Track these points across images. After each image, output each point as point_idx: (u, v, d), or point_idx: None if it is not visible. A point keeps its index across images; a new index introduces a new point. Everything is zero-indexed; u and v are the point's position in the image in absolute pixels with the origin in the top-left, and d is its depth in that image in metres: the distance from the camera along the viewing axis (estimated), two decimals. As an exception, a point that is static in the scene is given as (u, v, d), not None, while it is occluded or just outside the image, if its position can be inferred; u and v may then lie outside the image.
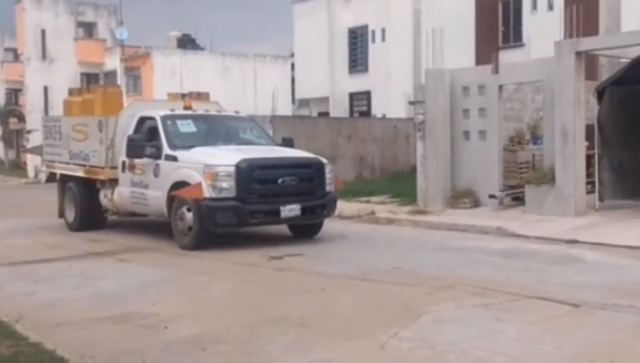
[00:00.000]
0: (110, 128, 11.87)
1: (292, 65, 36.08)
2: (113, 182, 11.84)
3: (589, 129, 12.80)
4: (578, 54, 12.20)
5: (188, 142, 10.80)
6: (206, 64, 37.33)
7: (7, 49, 47.34)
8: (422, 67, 16.94)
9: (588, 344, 5.26)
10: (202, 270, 8.74)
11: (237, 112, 13.02)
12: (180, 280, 8.19)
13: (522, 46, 22.68)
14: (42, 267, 9.06)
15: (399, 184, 17.56)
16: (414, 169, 15.40)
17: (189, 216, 10.10)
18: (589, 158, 13.03)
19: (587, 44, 12.39)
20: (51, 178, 14.12)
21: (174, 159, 10.52)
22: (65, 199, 13.13)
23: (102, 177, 12.07)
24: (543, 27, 20.54)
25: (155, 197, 10.78)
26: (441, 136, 14.07)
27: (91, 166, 12.32)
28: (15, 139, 44.30)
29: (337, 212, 13.75)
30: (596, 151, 12.96)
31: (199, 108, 12.22)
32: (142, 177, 11.08)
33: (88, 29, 42.35)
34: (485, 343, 5.26)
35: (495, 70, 13.51)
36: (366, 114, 29.07)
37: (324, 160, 11.06)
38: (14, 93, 45.81)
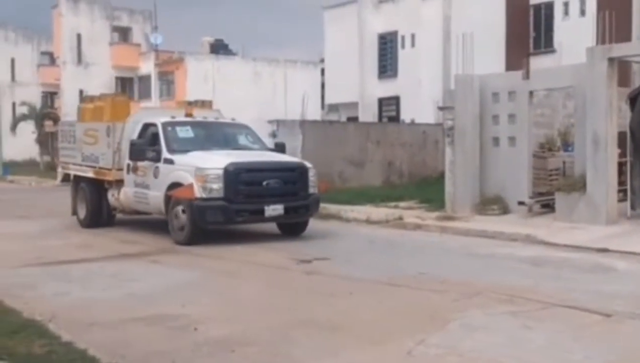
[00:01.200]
0: (117, 133, 12.88)
1: (322, 70, 36.24)
2: (119, 183, 12.78)
3: (621, 137, 12.65)
4: (610, 60, 12.08)
5: (185, 146, 11.78)
6: (238, 69, 37.70)
7: (43, 53, 48.30)
8: (452, 73, 16.92)
9: (618, 354, 5.21)
10: (232, 272, 8.84)
11: (233, 119, 13.98)
12: (210, 282, 8.29)
13: (553, 52, 22.49)
14: (74, 267, 9.22)
15: (427, 189, 17.51)
16: (442, 175, 15.35)
17: (183, 214, 11.02)
18: (621, 166, 12.87)
19: (619, 50, 12.26)
20: (66, 178, 15.10)
21: (171, 162, 11.50)
22: (77, 198, 14.07)
23: (109, 178, 13.04)
24: (575, 33, 20.36)
25: (155, 197, 11.72)
26: (470, 141, 14.02)
27: (100, 168, 13.29)
28: (50, 141, 45.12)
29: (364, 217, 13.93)
30: (628, 158, 12.80)
31: (200, 115, 13.23)
32: (144, 178, 12.03)
33: (123, 34, 43.05)
34: (513, 351, 5.25)
35: (526, 76, 13.43)
36: (395, 119, 29.05)
37: (308, 164, 12.05)
38: (50, 96, 46.70)
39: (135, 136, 12.42)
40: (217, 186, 10.83)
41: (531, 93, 13.60)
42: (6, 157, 39.57)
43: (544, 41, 23.64)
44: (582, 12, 22.24)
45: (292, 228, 12.14)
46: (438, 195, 14.99)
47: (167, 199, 11.35)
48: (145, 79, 40.79)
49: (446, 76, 24.21)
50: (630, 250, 9.70)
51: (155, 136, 11.99)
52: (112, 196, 13.11)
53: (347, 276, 8.31)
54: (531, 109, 13.76)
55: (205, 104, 14.79)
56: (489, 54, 20.26)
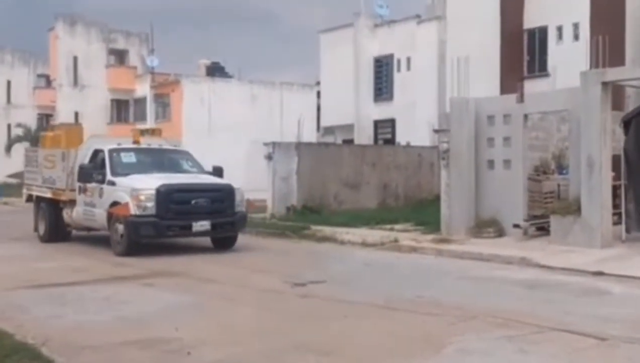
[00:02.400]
0: (71, 158, 14.45)
1: (318, 93, 36.38)
2: (72, 202, 14.23)
3: (616, 160, 12.70)
4: (604, 84, 12.17)
5: (127, 170, 13.28)
6: (234, 91, 37.81)
7: (39, 75, 48.39)
8: (447, 96, 17.02)
9: (613, 378, 5.19)
10: (225, 295, 8.79)
11: (175, 146, 15.76)
12: (204, 306, 8.24)
13: (547, 75, 22.64)
14: (68, 290, 9.16)
15: (423, 212, 17.51)
16: (437, 198, 15.37)
17: (121, 228, 12.47)
18: (615, 189, 12.90)
19: (613, 74, 12.36)
20: (30, 198, 16.57)
21: (113, 183, 13.01)
22: (38, 217, 15.61)
23: (64, 198, 14.54)
24: (568, 57, 20.51)
25: (100, 214, 13.21)
26: (465, 164, 14.05)
27: (57, 189, 14.86)
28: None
29: (360, 239, 13.91)
30: (622, 181, 12.84)
31: (147, 143, 14.71)
32: (92, 198, 13.55)
33: (119, 57, 43.22)
34: (508, 375, 5.22)
35: (521, 99, 13.51)
36: (390, 141, 29.15)
37: (235, 185, 13.41)
38: (45, 118, 46.68)
39: (86, 161, 13.95)
40: (150, 205, 12.29)
41: (526, 116, 13.67)
42: (0, 178, 39.50)
43: (538, 65, 23.82)
44: (576, 37, 22.45)
45: (221, 242, 13.50)
46: (433, 218, 14.99)
47: (109, 216, 12.83)
48: (141, 102, 40.86)
49: (441, 99, 24.35)
50: (625, 274, 9.69)
51: (103, 161, 13.51)
52: (66, 214, 14.54)
53: (342, 300, 8.28)
54: (526, 132, 13.83)
55: (155, 131, 16.67)
56: (483, 78, 20.41)
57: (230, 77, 41.15)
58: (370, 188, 21.07)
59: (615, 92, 13.60)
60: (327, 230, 15.41)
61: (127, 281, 9.93)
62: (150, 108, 39.56)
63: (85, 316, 7.50)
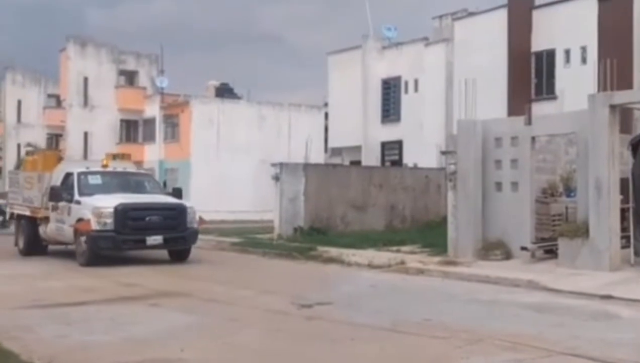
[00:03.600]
0: (46, 180, 16.16)
1: (326, 114, 36.50)
2: (47, 219, 15.83)
3: (624, 183, 12.65)
4: (612, 107, 12.17)
5: (93, 191, 14.97)
6: (243, 112, 38.03)
7: (49, 95, 48.81)
8: (454, 118, 17.04)
9: (622, 403, 5.12)
10: (231, 316, 8.76)
11: (139, 169, 18.05)
12: (209, 326, 8.21)
13: (554, 98, 22.67)
14: (74, 310, 9.16)
15: (430, 234, 17.46)
16: (444, 220, 15.33)
17: (84, 242, 14.16)
18: (624, 212, 12.84)
19: (621, 97, 12.36)
20: (11, 216, 18.47)
21: (79, 202, 14.66)
22: (19, 232, 17.35)
23: (40, 215, 16.21)
24: (576, 80, 20.55)
25: (68, 229, 14.85)
26: (473, 186, 14.03)
27: (34, 208, 16.56)
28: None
29: (367, 261, 13.87)
30: (631, 204, 12.78)
31: (115, 166, 16.52)
32: (62, 216, 15.17)
33: (129, 77, 43.57)
34: (515, 400, 5.16)
35: (528, 121, 13.51)
36: (398, 163, 29.13)
37: (188, 204, 15.30)
38: (55, 138, 47.01)
39: (59, 182, 15.55)
40: (109, 221, 13.97)
41: (533, 139, 13.65)
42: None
43: (546, 88, 23.86)
44: (584, 60, 22.49)
45: (176, 254, 15.20)
46: (440, 240, 14.94)
47: (75, 231, 14.49)
48: (150, 122, 41.12)
49: (449, 121, 24.39)
50: (634, 297, 9.60)
51: (72, 183, 15.16)
52: (42, 230, 16.19)
53: (348, 322, 8.23)
54: (533, 154, 13.80)
55: (124, 156, 18.45)
56: (491, 100, 20.44)
57: (239, 98, 41.41)
58: (377, 209, 21.05)
59: (623, 115, 13.60)
60: (334, 251, 15.39)
61: (133, 301, 9.92)
62: (159, 128, 39.79)
63: (91, 337, 7.48)
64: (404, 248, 15.71)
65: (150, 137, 40.87)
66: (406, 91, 29.73)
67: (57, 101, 46.71)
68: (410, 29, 43.74)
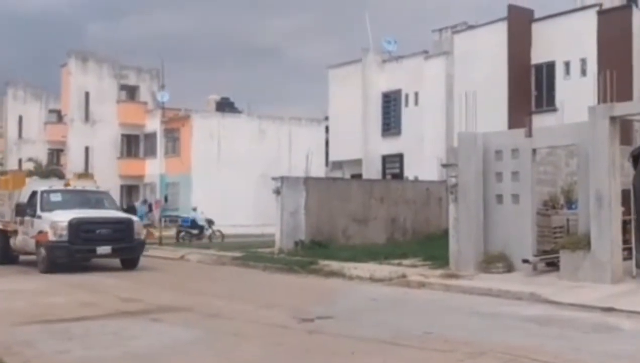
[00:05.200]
0: (15, 197, 18.22)
1: (326, 128, 36.55)
2: (16, 232, 17.77)
3: (625, 194, 12.65)
4: (612, 119, 12.19)
5: (53, 207, 16.79)
6: (243, 126, 38.10)
7: (51, 111, 48.94)
8: (455, 131, 17.08)
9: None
10: (233, 331, 8.74)
11: (98, 187, 19.67)
12: (211, 341, 8.19)
13: (554, 110, 22.69)
14: (75, 325, 9.13)
15: (431, 247, 17.43)
16: (446, 232, 15.32)
17: (43, 252, 16.04)
18: (625, 224, 12.83)
19: (621, 109, 12.39)
20: None
21: (40, 217, 16.52)
22: None
23: (10, 229, 18.21)
24: (576, 92, 20.60)
25: (31, 241, 16.74)
26: (474, 199, 14.04)
27: (6, 222, 18.57)
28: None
29: (368, 274, 13.86)
30: (632, 216, 12.77)
31: (77, 185, 19.05)
32: (27, 229, 17.03)
33: (130, 92, 43.72)
34: (517, 413, 5.14)
35: (529, 133, 13.54)
36: (398, 176, 29.14)
37: (135, 218, 17.42)
38: (56, 153, 47.09)
39: (25, 200, 17.47)
40: (64, 233, 15.82)
41: (534, 151, 13.68)
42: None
43: (546, 100, 23.90)
44: (583, 72, 22.56)
45: (126, 263, 17.01)
46: (442, 253, 14.92)
47: (36, 242, 16.36)
48: (151, 136, 41.21)
49: (449, 134, 24.40)
50: (636, 310, 9.58)
51: (36, 200, 17.03)
52: (12, 241, 18.14)
53: (349, 335, 8.21)
54: (534, 166, 13.82)
55: (88, 176, 22.34)
56: (491, 112, 20.47)
57: (239, 112, 41.53)
58: (378, 222, 21.04)
59: (624, 127, 13.63)
60: (335, 265, 15.36)
61: (134, 316, 9.89)
62: (160, 143, 39.87)
63: (93, 352, 7.47)
64: (405, 262, 15.69)
65: (151, 151, 40.93)
66: (406, 104, 29.78)
67: (58, 116, 46.82)
68: (410, 43, 44.00)
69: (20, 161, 47.04)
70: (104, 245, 16.19)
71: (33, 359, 7.01)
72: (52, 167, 44.42)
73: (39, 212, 16.67)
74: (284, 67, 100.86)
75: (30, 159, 43.96)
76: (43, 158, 45.67)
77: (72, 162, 40.51)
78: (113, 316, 9.88)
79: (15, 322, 9.26)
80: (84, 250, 16.25)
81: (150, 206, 37.96)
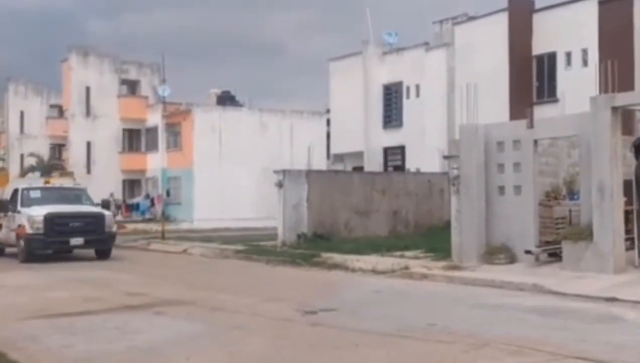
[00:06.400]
0: (0, 194, 20.26)
1: (328, 121, 36.53)
2: (0, 227, 19.39)
3: (627, 185, 12.63)
4: (614, 109, 12.17)
5: (32, 203, 18.38)
6: (245, 120, 38.05)
7: (52, 106, 48.96)
8: (456, 123, 17.02)
9: (629, 406, 5.11)
10: (236, 324, 8.76)
11: (77, 184, 21.72)
12: (214, 334, 8.21)
13: (556, 101, 22.70)
14: (79, 320, 9.16)
15: (433, 239, 17.45)
16: (448, 224, 15.32)
17: (22, 243, 17.74)
18: (627, 214, 12.82)
19: (623, 99, 12.36)
20: None
21: (20, 212, 18.14)
22: None
23: None
24: (577, 82, 20.58)
25: (12, 234, 18.42)
26: (476, 190, 14.03)
27: None
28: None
29: (370, 267, 13.88)
30: (634, 206, 12.76)
31: (56, 182, 21.12)
32: (9, 223, 18.72)
33: (131, 87, 43.65)
34: (521, 404, 5.15)
35: (530, 125, 13.51)
36: (400, 168, 29.15)
37: (106, 212, 19.08)
38: (58, 148, 47.13)
39: (8, 197, 19.14)
40: (40, 226, 17.47)
41: (536, 142, 13.66)
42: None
43: (547, 91, 23.88)
44: (585, 62, 22.52)
45: (99, 253, 18.50)
46: (444, 244, 14.93)
47: (16, 235, 18.03)
48: (152, 131, 41.17)
49: (451, 126, 24.40)
50: (639, 299, 9.59)
51: (17, 196, 18.65)
52: None
53: (353, 328, 8.22)
54: (536, 157, 13.80)
55: (69, 174, 25.95)
56: (493, 104, 20.45)
57: (240, 106, 41.45)
58: (380, 215, 21.05)
59: (625, 117, 13.59)
60: (338, 258, 15.38)
61: (138, 310, 9.92)
62: (161, 137, 39.84)
63: (97, 346, 7.49)
64: (408, 254, 15.71)
65: (152, 146, 40.92)
66: (408, 96, 29.77)
67: (59, 111, 46.81)
68: (411, 34, 43.88)
69: (22, 156, 47.07)
70: (76, 236, 17.75)
71: (37, 354, 7.03)
72: (53, 162, 44.49)
73: (19, 208, 18.28)
74: (285, 61, 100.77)
75: (32, 154, 43.98)
76: (45, 153, 45.71)
77: (74, 157, 40.51)
78: (117, 311, 9.91)
79: (20, 317, 9.31)
80: (58, 242, 17.78)
81: (152, 201, 38.03)
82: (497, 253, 13.62)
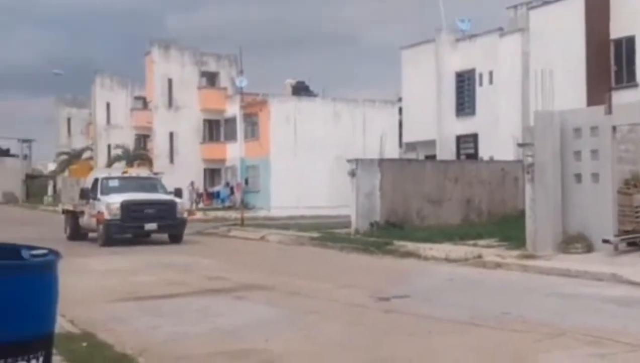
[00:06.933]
0: (82, 183, 21.65)
1: (400, 109, 36.39)
2: (83, 213, 20.75)
3: None
4: (697, 94, 11.78)
5: (110, 191, 19.77)
6: (318, 109, 38.37)
7: (136, 98, 50.81)
8: (531, 109, 16.80)
9: None
10: (312, 309, 9.02)
11: (155, 173, 23.70)
12: (292, 318, 8.48)
13: (635, 86, 21.93)
14: (164, 302, 9.62)
15: (507, 227, 17.26)
16: (522, 213, 15.15)
17: (101, 229, 19.20)
18: None
19: None
20: (63, 211, 23.59)
21: (99, 200, 19.45)
22: (66, 223, 22.58)
23: (79, 210, 21.19)
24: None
25: (92, 220, 19.73)
26: (551, 178, 13.83)
27: (75, 204, 21.58)
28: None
29: (443, 255, 13.92)
30: None
31: (131, 173, 22.58)
32: (90, 209, 19.95)
33: (211, 78, 44.65)
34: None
35: (609, 110, 13.21)
36: (473, 156, 28.80)
37: (178, 200, 20.26)
38: (142, 139, 48.87)
39: (89, 185, 20.47)
40: (117, 212, 18.82)
41: (614, 128, 13.34)
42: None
43: (626, 75, 23.07)
44: (668, 44, 21.66)
45: (172, 238, 19.89)
46: (518, 233, 14.78)
47: (96, 220, 19.38)
48: (231, 121, 42.07)
49: (525, 112, 23.93)
50: None
51: (97, 185, 19.98)
52: (80, 221, 21.13)
53: (426, 315, 8.33)
54: (614, 144, 13.48)
55: (142, 164, 31.20)
56: (569, 90, 19.99)
57: (314, 95, 41.78)
58: (452, 203, 20.94)
59: None
60: (410, 246, 15.47)
61: (219, 294, 10.31)
62: (239, 127, 40.66)
63: (181, 328, 7.82)
64: (481, 242, 15.64)
65: (231, 136, 41.81)
66: (481, 83, 29.33)
67: (143, 103, 48.41)
68: (484, 21, 42.91)
69: (109, 146, 49.15)
70: (150, 222, 19.21)
71: (125, 335, 7.36)
72: (138, 152, 46.20)
73: (98, 196, 19.60)
74: (358, 50, 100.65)
75: (118, 145, 45.84)
76: (130, 144, 47.48)
77: (158, 147, 41.85)
78: (200, 294, 10.33)
79: (109, 300, 9.82)
80: (134, 227, 19.29)
81: (232, 189, 38.98)
82: (573, 242, 13.41)
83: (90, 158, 49.99)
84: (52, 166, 61.27)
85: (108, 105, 51.40)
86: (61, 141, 63.87)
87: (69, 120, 65.54)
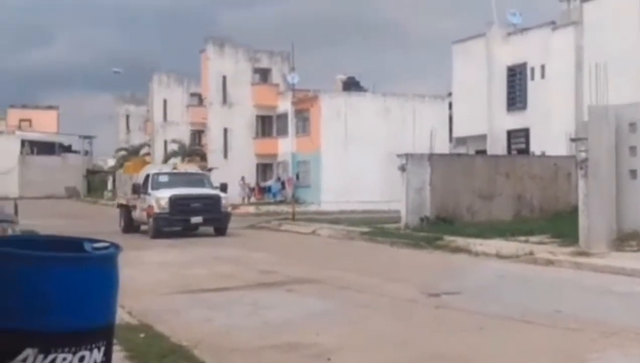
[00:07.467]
0: (134, 179, 22.60)
1: (450, 104, 36.10)
2: (135, 207, 21.66)
3: None
4: None
5: (160, 186, 20.77)
6: (368, 104, 38.42)
7: (192, 94, 51.77)
8: (584, 104, 16.50)
9: None
10: (363, 303, 9.08)
11: (206, 169, 25.70)
12: (342, 312, 8.55)
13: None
14: (217, 295, 9.80)
15: (559, 224, 16.98)
16: (575, 209, 14.89)
17: (151, 221, 20.19)
18: None
19: None
20: (119, 206, 24.60)
21: (150, 194, 20.44)
22: (121, 216, 23.46)
23: (131, 204, 22.18)
24: None
25: (143, 213, 20.72)
26: (605, 174, 13.56)
27: (128, 198, 22.59)
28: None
29: (494, 251, 13.81)
30: None
31: (180, 169, 23.82)
32: (141, 204, 20.92)
33: (263, 75, 45.19)
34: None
35: (666, 106, 12.89)
36: (524, 151, 28.40)
37: (222, 194, 20.90)
38: (198, 134, 49.78)
39: (141, 181, 21.42)
40: (165, 206, 19.80)
41: (672, 124, 13.01)
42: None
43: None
44: None
45: (216, 231, 20.72)
46: (571, 230, 14.52)
47: (146, 214, 20.36)
48: (283, 117, 42.50)
49: (578, 107, 23.48)
50: None
51: (148, 181, 20.99)
52: (133, 214, 22.04)
53: (476, 311, 8.29)
54: (672, 140, 13.14)
55: (191, 161, 31.55)
56: (624, 84, 19.48)
57: (365, 90, 41.80)
58: (503, 198, 20.70)
59: None
60: (461, 241, 15.38)
61: (270, 288, 10.46)
62: (291, 123, 41.02)
63: (233, 321, 7.98)
64: (533, 238, 15.42)
65: (283, 131, 42.22)
66: (532, 78, 28.86)
67: (199, 99, 49.27)
68: (536, 14, 42.23)
69: (165, 142, 50.18)
70: (196, 215, 20.10)
71: (180, 326, 7.50)
72: (194, 147, 47.06)
73: (149, 190, 20.64)
74: (408, 44, 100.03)
75: (174, 141, 46.75)
76: (186, 139, 48.39)
77: (212, 142, 42.57)
78: (251, 288, 10.50)
79: (164, 292, 10.08)
80: (181, 220, 20.21)
81: (283, 184, 39.37)
82: (628, 239, 13.14)
83: (148, 154, 51.08)
84: (111, 162, 62.92)
85: (165, 102, 52.46)
86: (120, 137, 65.68)
87: (127, 117, 67.24)
